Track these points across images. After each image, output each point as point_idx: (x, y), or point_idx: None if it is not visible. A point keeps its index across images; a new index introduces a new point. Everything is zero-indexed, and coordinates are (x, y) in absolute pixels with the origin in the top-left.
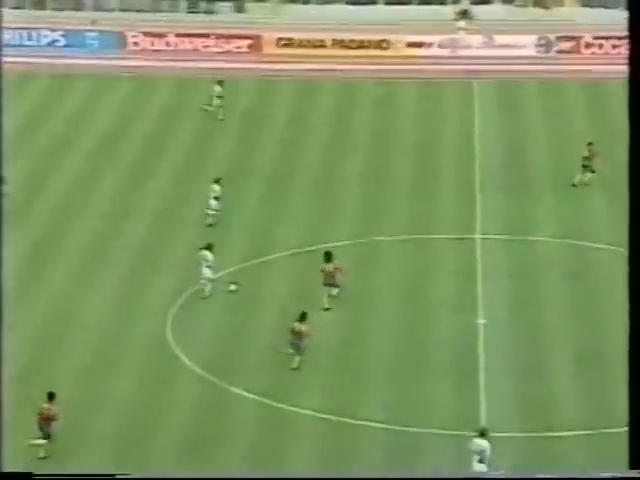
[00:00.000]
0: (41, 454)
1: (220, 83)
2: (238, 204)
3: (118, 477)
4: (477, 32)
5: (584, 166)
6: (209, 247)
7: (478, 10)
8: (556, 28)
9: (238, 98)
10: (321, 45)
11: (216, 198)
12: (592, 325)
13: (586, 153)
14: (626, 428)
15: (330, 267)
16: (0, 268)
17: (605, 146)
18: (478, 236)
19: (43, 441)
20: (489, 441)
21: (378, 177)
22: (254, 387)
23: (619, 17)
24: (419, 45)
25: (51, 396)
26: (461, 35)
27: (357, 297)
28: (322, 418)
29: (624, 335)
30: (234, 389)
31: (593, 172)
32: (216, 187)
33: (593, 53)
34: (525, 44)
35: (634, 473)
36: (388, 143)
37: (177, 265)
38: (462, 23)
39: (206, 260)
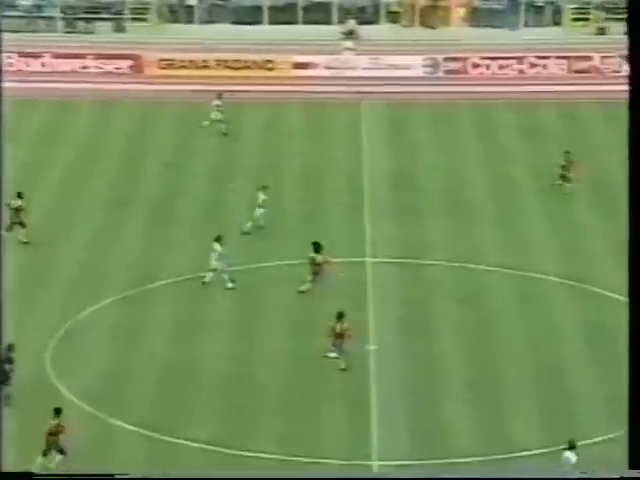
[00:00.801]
0: (52, 465)
1: (219, 96)
2: (123, 231)
3: (117, 477)
4: (364, 52)
5: (562, 175)
6: (218, 239)
7: (364, 30)
8: (443, 48)
9: (120, 121)
10: (204, 66)
11: (260, 206)
12: (485, 350)
13: (563, 162)
14: (521, 452)
15: (320, 258)
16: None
17: (495, 167)
18: (368, 259)
19: (60, 457)
20: (577, 453)
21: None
22: (140, 420)
23: (506, 37)
24: (305, 66)
25: (57, 411)
26: (348, 56)
27: (245, 326)
28: (212, 451)
29: (518, 359)
30: (119, 423)
31: (569, 182)
32: (262, 195)
33: (481, 73)
34: (412, 65)
35: (634, 473)
36: (275, 166)
37: (56, 295)
38: (349, 43)
39: (215, 251)
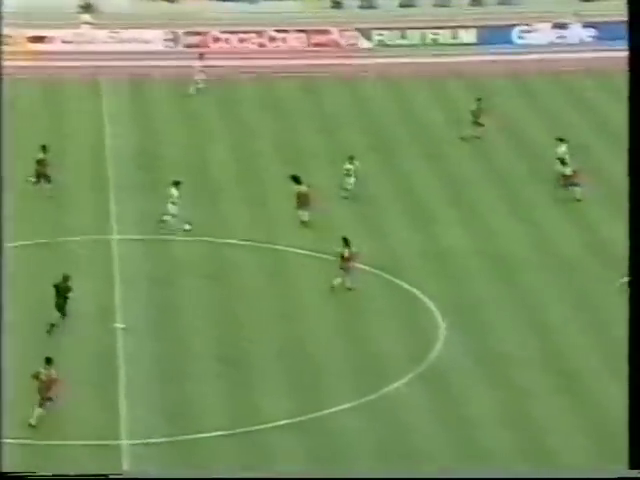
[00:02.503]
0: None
1: (201, 57)
2: None
3: (111, 477)
4: (102, 26)
5: (474, 121)
6: (176, 184)
7: (102, 3)
8: (184, 22)
9: None
10: None
11: (348, 175)
12: (234, 325)
13: (474, 107)
14: (269, 424)
15: (303, 189)
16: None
17: (239, 142)
18: (114, 237)
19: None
20: None
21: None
22: None
23: (245, 10)
24: (41, 40)
25: (48, 360)
26: (85, 29)
27: None
28: None
29: (266, 333)
30: None
31: (482, 125)
32: (348, 167)
33: (221, 47)
34: (152, 39)
35: (634, 473)
36: (12, 145)
37: None
38: (86, 17)
39: (171, 196)
